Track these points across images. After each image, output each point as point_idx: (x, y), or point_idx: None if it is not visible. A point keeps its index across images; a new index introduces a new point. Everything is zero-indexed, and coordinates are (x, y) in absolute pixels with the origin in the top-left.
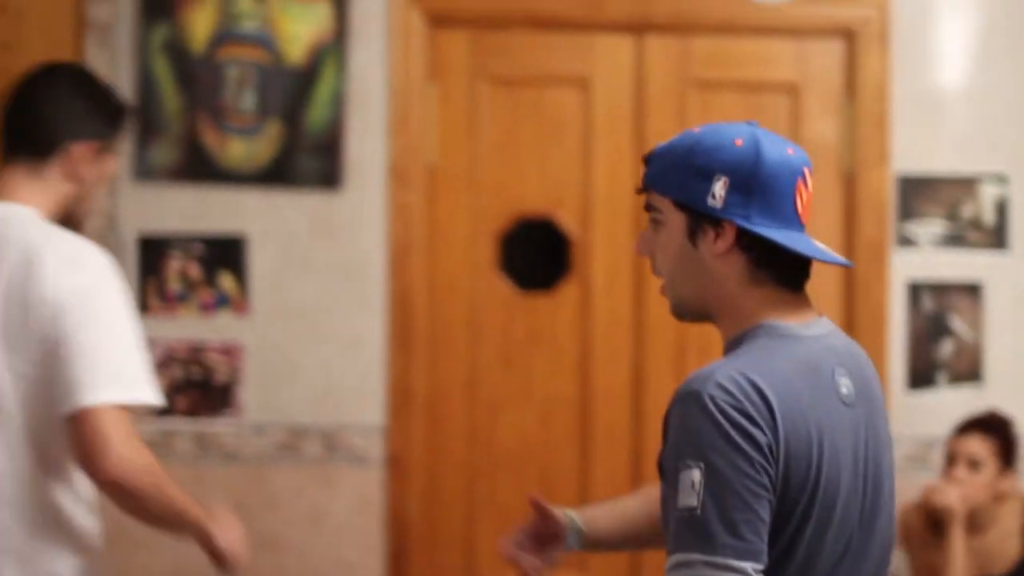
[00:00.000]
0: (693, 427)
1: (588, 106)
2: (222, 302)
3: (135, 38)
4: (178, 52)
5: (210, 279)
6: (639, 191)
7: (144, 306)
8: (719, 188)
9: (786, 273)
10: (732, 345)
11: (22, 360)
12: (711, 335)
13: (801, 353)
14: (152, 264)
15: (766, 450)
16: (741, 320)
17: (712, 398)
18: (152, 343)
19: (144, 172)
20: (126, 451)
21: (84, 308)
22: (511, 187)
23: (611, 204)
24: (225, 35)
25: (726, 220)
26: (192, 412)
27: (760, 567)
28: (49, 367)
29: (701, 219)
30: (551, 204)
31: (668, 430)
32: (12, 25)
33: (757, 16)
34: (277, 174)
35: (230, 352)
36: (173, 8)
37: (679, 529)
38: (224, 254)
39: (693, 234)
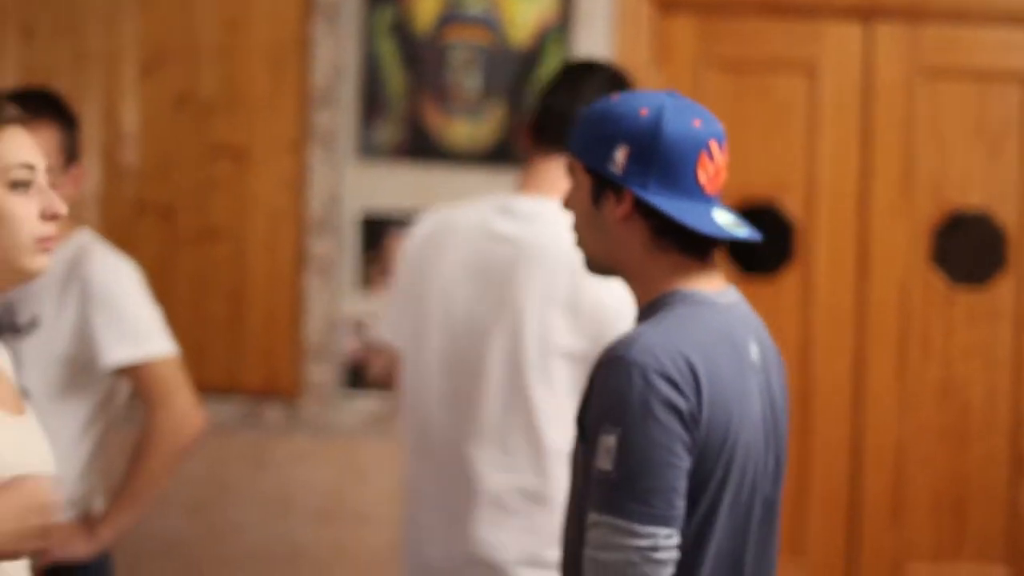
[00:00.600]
0: (614, 392)
1: (815, 93)
2: None
3: (361, 19)
4: (404, 33)
5: None
6: (563, 151)
7: (366, 283)
8: (620, 156)
9: (690, 242)
10: (647, 310)
11: (567, 358)
12: (935, 324)
13: (718, 321)
14: (374, 241)
15: (687, 417)
16: (652, 285)
17: (638, 364)
18: (372, 319)
19: (368, 150)
20: None
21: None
22: (735, 172)
23: (836, 191)
24: (451, 17)
25: (625, 188)
26: None
27: (669, 531)
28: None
29: (604, 184)
30: (775, 190)
31: (591, 392)
32: (239, 5)
33: (991, 3)
34: (500, 155)
35: None
36: None
37: (595, 490)
38: None
39: (597, 198)
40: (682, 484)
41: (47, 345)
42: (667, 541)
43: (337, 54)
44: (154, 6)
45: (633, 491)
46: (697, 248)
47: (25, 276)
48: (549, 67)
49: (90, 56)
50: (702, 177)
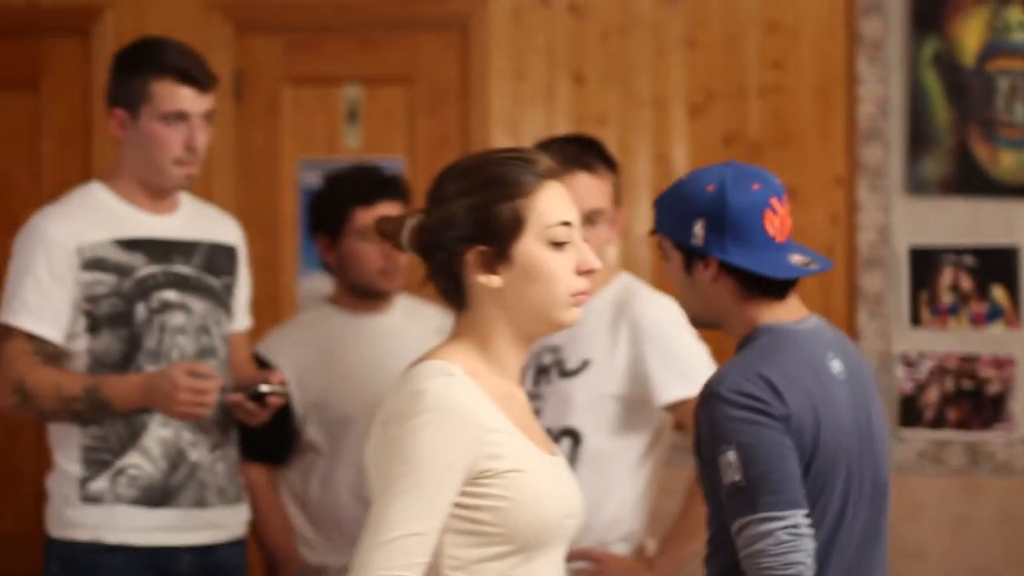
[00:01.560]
0: (718, 420)
1: None
2: (994, 314)
3: (905, 52)
4: (948, 65)
5: (982, 291)
6: (651, 233)
7: (915, 319)
8: (698, 229)
9: (770, 286)
10: (741, 347)
11: None
12: None
13: (797, 343)
14: (924, 276)
15: (779, 417)
16: (744, 326)
17: (729, 389)
18: (923, 356)
19: (916, 185)
20: None
21: None
22: None
23: None
24: (995, 47)
25: (709, 255)
26: (963, 424)
27: (803, 511)
28: None
29: (691, 255)
30: None
31: (699, 428)
32: (787, 42)
33: None
34: None
35: (1002, 365)
36: (942, 22)
37: (730, 503)
38: (996, 266)
39: (688, 267)
40: (798, 471)
41: (600, 385)
42: (805, 519)
43: (882, 89)
44: (701, 48)
45: (765, 486)
46: (777, 289)
47: (556, 328)
48: None
49: (639, 100)
50: (770, 230)
